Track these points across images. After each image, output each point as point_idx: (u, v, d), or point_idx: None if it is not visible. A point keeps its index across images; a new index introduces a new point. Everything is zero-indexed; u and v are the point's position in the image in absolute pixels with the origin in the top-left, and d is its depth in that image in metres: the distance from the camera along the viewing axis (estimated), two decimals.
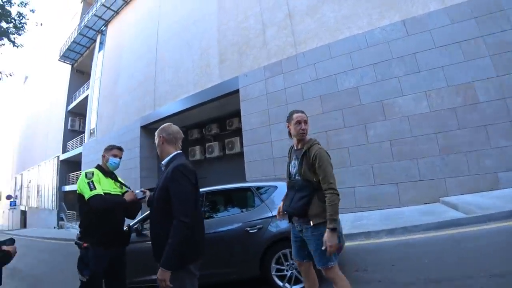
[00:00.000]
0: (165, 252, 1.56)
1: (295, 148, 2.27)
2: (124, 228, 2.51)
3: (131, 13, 16.29)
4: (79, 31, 19.97)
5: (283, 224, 2.99)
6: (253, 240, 3.08)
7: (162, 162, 1.87)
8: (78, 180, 2.34)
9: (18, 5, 8.44)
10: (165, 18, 13.04)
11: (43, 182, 24.08)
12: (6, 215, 32.91)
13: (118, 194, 2.44)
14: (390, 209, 5.63)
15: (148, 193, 2.43)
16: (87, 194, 2.21)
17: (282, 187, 3.14)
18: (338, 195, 1.96)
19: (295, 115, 2.19)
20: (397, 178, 5.82)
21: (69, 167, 21.10)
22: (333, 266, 1.99)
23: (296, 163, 2.17)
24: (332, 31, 7.08)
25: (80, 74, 23.22)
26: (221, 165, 10.54)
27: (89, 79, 19.70)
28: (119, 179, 2.60)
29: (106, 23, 18.37)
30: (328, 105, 6.76)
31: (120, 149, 2.62)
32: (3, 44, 8.30)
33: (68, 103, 22.60)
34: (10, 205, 26.90)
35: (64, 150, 21.50)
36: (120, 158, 2.58)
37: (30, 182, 27.67)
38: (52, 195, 21.79)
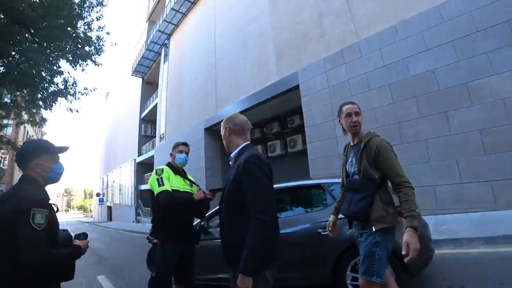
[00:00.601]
0: (244, 257, 1.35)
1: (352, 144, 2.07)
2: (195, 227, 2.54)
3: (189, 23, 17.38)
4: (146, 46, 22.15)
5: None
6: (326, 243, 2.76)
7: (231, 155, 1.69)
8: (150, 177, 2.40)
9: (97, 30, 9.71)
10: (220, 22, 13.56)
11: (123, 182, 27.47)
12: (96, 210, 39.25)
13: (187, 191, 2.42)
14: (482, 213, 4.76)
15: (215, 195, 2.45)
16: (156, 190, 2.25)
17: None
18: (413, 188, 1.73)
19: (344, 108, 2.05)
20: (491, 175, 4.87)
21: (144, 168, 23.67)
22: (376, 283, 1.74)
23: (354, 160, 1.97)
24: (399, 10, 6.42)
25: (150, 85, 25.73)
26: (284, 164, 10.50)
27: (157, 88, 21.70)
28: (189, 177, 2.59)
29: (169, 36, 19.93)
30: (399, 93, 6.15)
31: (185, 144, 2.59)
32: (87, 64, 9.62)
33: (141, 112, 25.30)
34: (99, 201, 31.46)
35: (139, 154, 24.12)
36: (187, 153, 2.54)
37: (113, 182, 31.78)
38: (131, 193, 24.68)
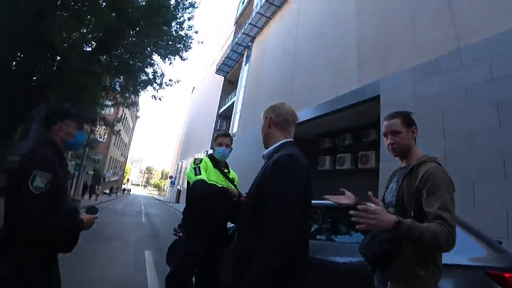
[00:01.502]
0: (246, 284, 1.02)
1: (401, 166, 1.53)
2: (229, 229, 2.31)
3: (273, 26, 17.64)
4: (231, 48, 23.49)
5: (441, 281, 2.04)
6: None
7: (264, 153, 1.37)
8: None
9: (187, 29, 10.63)
10: (302, 26, 13.32)
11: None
12: (168, 190, 43.97)
13: (225, 187, 2.18)
14: None
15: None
16: (192, 179, 2.07)
17: None
18: (452, 234, 1.11)
19: (383, 125, 1.55)
20: None
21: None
22: None
23: (394, 186, 1.47)
24: None
25: (230, 84, 27.23)
26: (351, 180, 9.64)
27: (237, 88, 22.79)
28: (232, 174, 2.36)
29: (252, 39, 20.66)
30: (509, 114, 4.88)
31: (226, 135, 2.36)
32: (175, 59, 10.64)
33: (219, 108, 27.03)
34: (171, 183, 35.00)
35: (212, 146, 25.76)
36: (227, 145, 2.28)
37: (186, 168, 34.77)
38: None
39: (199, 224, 2.09)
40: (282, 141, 1.34)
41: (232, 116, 21.63)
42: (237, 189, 2.25)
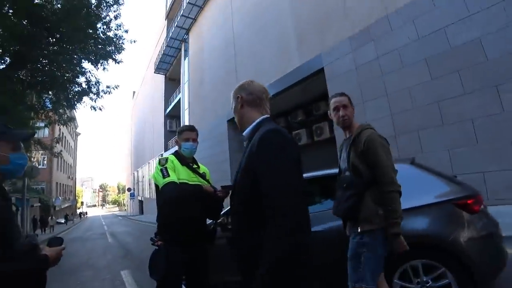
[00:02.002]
0: (259, 277, 0.94)
1: (345, 138, 1.94)
2: (210, 225, 2.17)
3: (206, 16, 17.15)
4: (166, 43, 22.36)
5: (415, 223, 2.16)
6: None
7: (244, 133, 1.29)
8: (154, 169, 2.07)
9: (115, 29, 9.77)
10: (237, 12, 13.16)
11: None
12: (129, 204, 41.37)
13: (197, 185, 2.03)
14: None
15: (229, 193, 1.97)
16: (160, 182, 1.90)
17: (404, 170, 2.23)
18: (400, 192, 1.60)
19: (332, 101, 1.91)
20: None
21: None
22: None
23: (344, 155, 1.84)
24: None
25: (172, 81, 26.08)
26: (310, 153, 10.06)
27: (180, 84, 21.91)
28: (202, 169, 2.18)
29: (187, 31, 19.87)
30: (438, 68, 5.48)
31: (191, 129, 2.16)
32: (108, 63, 9.79)
33: (165, 108, 25.82)
34: (131, 196, 33.01)
35: (166, 149, 24.69)
36: (194, 140, 2.12)
37: (143, 177, 33.04)
38: None
39: (177, 227, 1.94)
40: (259, 118, 1.25)
41: (181, 114, 20.89)
42: (210, 183, 2.14)
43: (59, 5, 7.96)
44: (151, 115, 30.91)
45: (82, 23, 8.05)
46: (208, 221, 2.25)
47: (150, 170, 29.66)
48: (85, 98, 9.76)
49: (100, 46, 9.29)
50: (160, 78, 27.26)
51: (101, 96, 10.05)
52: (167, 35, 22.85)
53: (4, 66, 7.81)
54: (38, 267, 1.11)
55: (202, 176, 2.12)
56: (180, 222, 1.92)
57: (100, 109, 10.08)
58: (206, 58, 16.63)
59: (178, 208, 1.90)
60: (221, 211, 2.22)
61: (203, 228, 2.09)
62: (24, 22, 7.22)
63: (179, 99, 21.72)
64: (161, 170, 1.93)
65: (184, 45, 21.02)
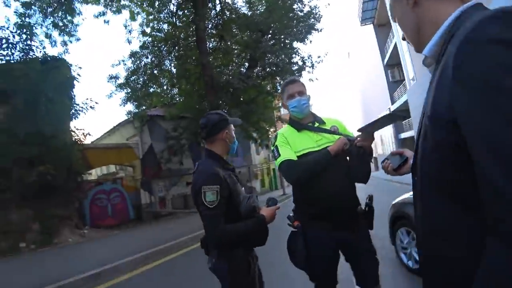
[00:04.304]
0: None
1: None
2: (366, 201, 1.63)
3: None
4: None
5: None
6: None
7: (425, 52, 0.69)
8: None
9: (308, 2, 10.39)
10: None
11: (383, 132, 27.22)
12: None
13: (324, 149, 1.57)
14: None
15: (373, 138, 1.49)
16: (276, 163, 1.64)
17: None
18: None
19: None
20: None
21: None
22: None
23: None
24: None
25: (383, 27, 23.51)
26: None
27: (391, 28, 19.33)
28: (331, 121, 1.71)
29: None
30: None
31: (294, 81, 1.71)
32: (312, 35, 10.59)
33: (382, 58, 23.87)
34: None
35: (392, 101, 22.91)
36: (301, 93, 1.65)
37: (374, 134, 32.91)
38: (392, 143, 24.24)
39: (310, 205, 1.58)
40: (456, 11, 0.61)
41: (401, 59, 18.40)
42: (344, 135, 1.62)
43: (261, 8, 9.72)
44: (370, 71, 29.78)
45: (282, 12, 9.27)
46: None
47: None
48: (303, 73, 11.23)
49: (301, 24, 10.24)
50: (369, 29, 25.44)
51: (315, 67, 11.09)
52: None
53: (245, 69, 10.72)
54: (257, 225, 1.42)
55: (333, 132, 1.65)
56: (319, 192, 1.53)
57: (317, 79, 11.17)
58: None
59: (309, 186, 1.54)
60: (370, 168, 1.64)
61: (347, 203, 1.57)
62: (247, 33, 9.46)
63: (395, 43, 19.21)
64: (273, 151, 1.67)
65: None
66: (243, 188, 1.60)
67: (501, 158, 0.44)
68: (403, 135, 21.39)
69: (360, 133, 1.50)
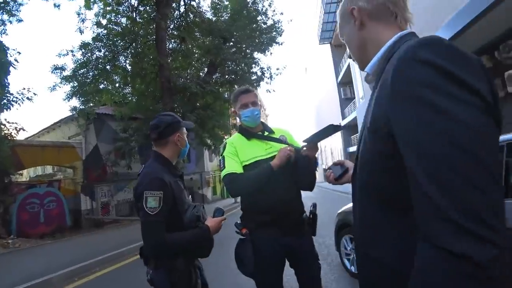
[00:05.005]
0: None
1: None
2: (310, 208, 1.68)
3: None
4: (323, 12, 21.84)
5: None
6: None
7: (366, 69, 0.76)
8: None
9: (271, 16, 10.77)
10: None
11: (333, 146, 29.22)
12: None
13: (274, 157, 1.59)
14: None
15: (317, 148, 1.55)
16: (221, 175, 1.61)
17: None
18: None
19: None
20: None
21: (350, 131, 23.85)
22: None
23: None
24: None
25: (339, 48, 25.25)
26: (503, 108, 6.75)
27: (346, 49, 20.86)
28: (279, 131, 1.75)
29: None
30: None
31: (246, 91, 1.70)
32: (273, 47, 10.92)
33: (336, 77, 25.55)
34: (315, 165, 35.90)
35: (343, 117, 24.53)
36: (254, 104, 1.65)
37: (325, 147, 34.76)
38: (341, 155, 25.82)
39: (258, 212, 1.57)
40: (394, 37, 0.70)
41: (353, 78, 19.92)
42: (291, 145, 1.66)
43: (225, 16, 9.80)
44: (324, 87, 31.64)
45: (245, 21, 9.45)
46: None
47: (332, 138, 30.73)
48: (262, 83, 11.47)
49: (264, 36, 10.54)
50: (326, 48, 27.12)
51: (273, 79, 11.42)
52: (322, 2, 22.22)
53: (203, 74, 10.61)
54: (201, 236, 1.35)
55: (282, 141, 1.67)
56: (266, 200, 1.53)
57: (274, 90, 11.53)
58: None
59: (256, 193, 1.53)
60: (315, 176, 1.73)
61: (294, 208, 1.62)
62: (210, 38, 9.42)
63: (348, 64, 20.77)
64: (219, 161, 1.64)
65: None
66: (190, 196, 1.54)
67: (429, 166, 0.48)
68: (351, 149, 22.95)
69: (305, 144, 1.56)
